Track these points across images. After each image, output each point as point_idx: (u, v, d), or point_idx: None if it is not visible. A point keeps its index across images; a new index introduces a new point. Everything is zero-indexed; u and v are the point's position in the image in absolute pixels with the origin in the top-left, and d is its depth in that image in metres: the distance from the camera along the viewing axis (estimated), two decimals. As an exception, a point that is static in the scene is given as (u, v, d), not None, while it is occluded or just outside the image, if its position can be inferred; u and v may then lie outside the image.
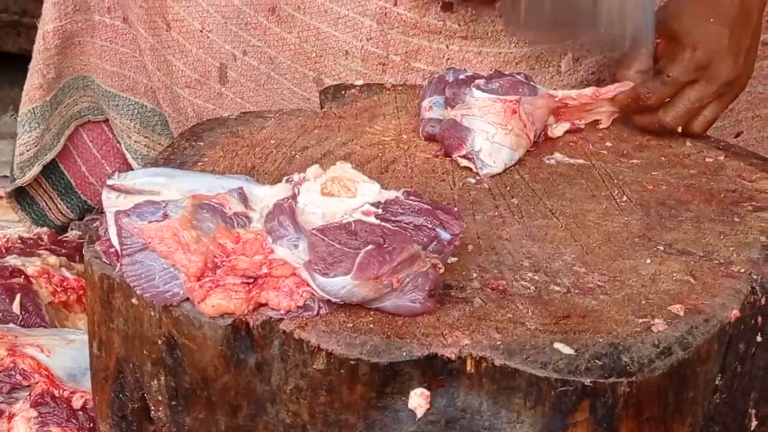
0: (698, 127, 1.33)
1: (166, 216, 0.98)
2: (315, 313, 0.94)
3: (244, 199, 1.01)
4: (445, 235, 1.00)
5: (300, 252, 0.96)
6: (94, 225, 1.07)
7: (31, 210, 1.91)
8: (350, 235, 0.96)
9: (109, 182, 1.03)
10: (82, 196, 1.92)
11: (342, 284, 0.93)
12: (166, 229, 0.96)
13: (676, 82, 1.32)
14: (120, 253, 0.99)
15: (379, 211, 0.99)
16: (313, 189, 1.02)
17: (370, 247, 0.94)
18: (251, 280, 0.95)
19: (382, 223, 0.98)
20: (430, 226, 0.99)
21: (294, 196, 1.02)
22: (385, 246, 0.95)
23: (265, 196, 1.03)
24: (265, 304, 0.95)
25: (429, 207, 1.01)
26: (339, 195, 1.02)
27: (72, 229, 1.89)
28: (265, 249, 0.97)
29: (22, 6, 2.65)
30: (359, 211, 0.99)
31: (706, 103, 1.33)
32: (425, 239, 0.99)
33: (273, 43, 1.66)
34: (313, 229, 0.97)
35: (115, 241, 0.99)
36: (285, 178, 1.05)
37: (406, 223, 0.99)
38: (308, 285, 0.94)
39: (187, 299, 0.96)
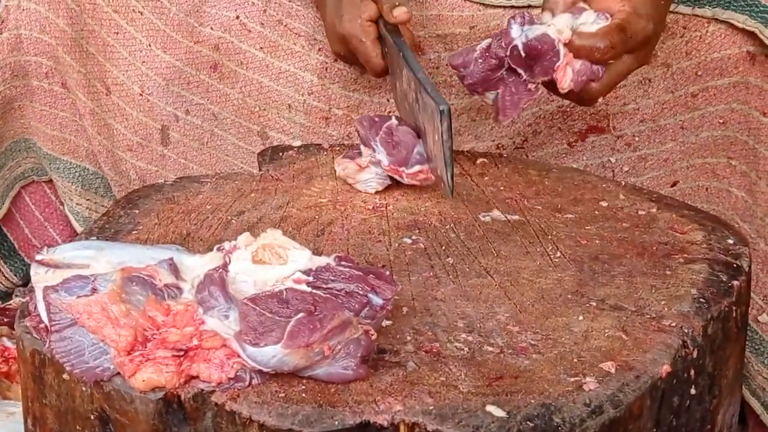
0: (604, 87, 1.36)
1: (95, 290, 0.97)
2: (247, 383, 0.94)
3: (174, 270, 1.01)
4: (377, 300, 1.01)
5: (231, 322, 0.96)
6: (24, 300, 1.06)
7: (-26, 274, 1.90)
8: (281, 303, 0.96)
9: (38, 257, 1.03)
10: (25, 259, 1.91)
11: (272, 354, 0.93)
12: (95, 303, 0.96)
13: (628, 48, 1.34)
14: (49, 329, 0.98)
15: (310, 278, 0.99)
16: (244, 257, 1.02)
17: (300, 315, 0.94)
18: (182, 353, 0.94)
19: (314, 291, 0.98)
20: (361, 292, 1.00)
21: (225, 265, 1.01)
22: (316, 313, 0.95)
23: (195, 266, 1.03)
24: (197, 377, 0.95)
25: (360, 273, 1.01)
26: (270, 262, 1.02)
27: (16, 296, 1.87)
28: (195, 320, 0.96)
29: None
30: (290, 279, 1.00)
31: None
32: (357, 305, 0.99)
33: (216, 99, 1.67)
34: (244, 298, 0.97)
35: (44, 316, 0.99)
36: (216, 246, 1.05)
37: (337, 290, 0.99)
38: (239, 356, 0.94)
39: (118, 374, 0.96)
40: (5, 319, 1.67)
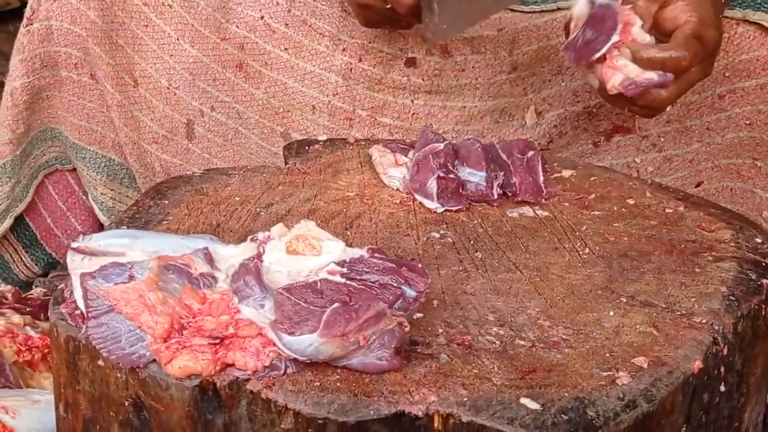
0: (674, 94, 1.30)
1: (131, 278, 0.98)
2: (282, 372, 0.95)
3: (209, 259, 1.02)
4: (411, 293, 1.01)
5: (266, 311, 0.96)
6: (60, 286, 1.06)
7: (-6, 262, 1.91)
8: (316, 293, 0.97)
9: (74, 245, 1.03)
10: (46, 248, 1.91)
11: (308, 342, 0.94)
12: (132, 290, 0.96)
13: (698, 60, 1.29)
14: (86, 316, 0.98)
15: (345, 270, 1.00)
16: (278, 248, 1.03)
17: (336, 305, 0.95)
18: (218, 341, 0.95)
19: (348, 282, 0.99)
20: (395, 284, 1.00)
21: (259, 255, 1.02)
22: (351, 304, 0.96)
23: (230, 255, 1.03)
24: (232, 365, 0.95)
25: (393, 265, 1.02)
26: (304, 253, 1.02)
27: (36, 287, 1.87)
28: (231, 309, 0.97)
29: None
30: (324, 270, 1.00)
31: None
32: (391, 297, 0.99)
33: (241, 98, 1.68)
34: (279, 288, 0.97)
35: (80, 303, 0.99)
36: (250, 237, 1.06)
37: (371, 282, 1.00)
38: (275, 344, 0.94)
39: (154, 361, 0.96)
40: (27, 309, 1.68)
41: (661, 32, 1.31)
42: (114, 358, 0.97)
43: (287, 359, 0.95)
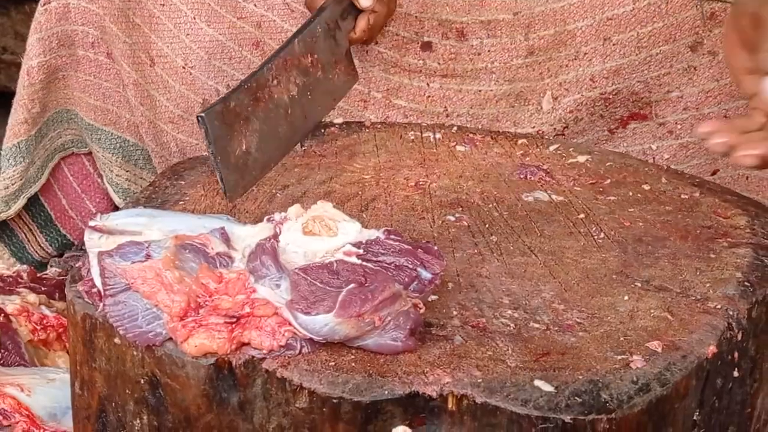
0: None
1: (149, 256, 0.99)
2: (297, 352, 0.95)
3: (226, 239, 1.02)
4: (426, 275, 1.02)
5: (282, 291, 0.97)
6: (77, 265, 1.07)
7: (10, 242, 1.91)
8: (332, 274, 0.97)
9: (92, 223, 1.04)
10: (61, 229, 1.92)
11: (324, 322, 0.94)
12: (149, 269, 0.97)
13: None
14: (103, 294, 0.99)
15: (361, 251, 1.00)
16: (294, 228, 1.03)
17: (351, 285, 0.95)
18: (234, 320, 0.96)
19: (364, 263, 0.99)
20: (410, 266, 1.01)
21: (276, 236, 1.03)
22: (366, 285, 0.96)
23: (246, 236, 1.04)
24: (248, 344, 0.96)
25: (409, 247, 1.02)
26: (320, 234, 1.03)
27: (51, 266, 1.88)
28: (247, 288, 0.97)
29: (2, 43, 2.66)
30: (341, 251, 1.01)
31: None
32: (406, 279, 1.00)
33: (258, 77, 1.67)
34: (295, 268, 0.98)
35: (97, 281, 1.00)
36: (266, 217, 1.06)
37: (387, 263, 1.00)
38: (290, 324, 0.95)
39: (170, 339, 0.97)
40: (42, 288, 1.69)
41: None
42: (131, 336, 0.97)
43: (303, 339, 0.95)
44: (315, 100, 1.42)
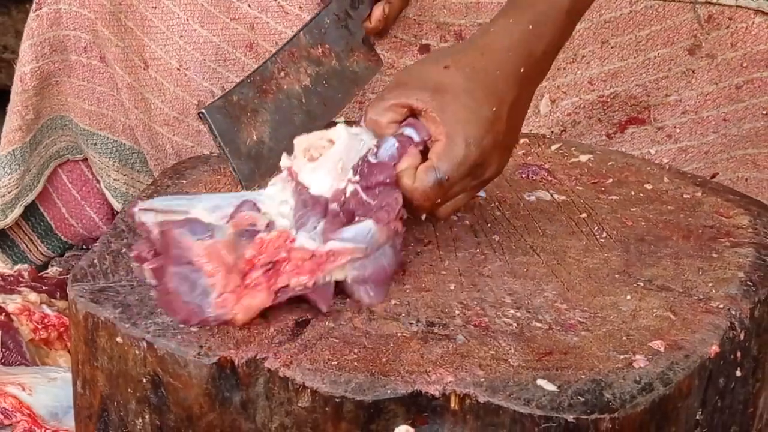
0: (445, 213, 1.13)
1: (212, 236, 1.01)
2: (331, 288, 1.03)
3: (256, 208, 1.05)
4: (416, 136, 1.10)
5: (318, 232, 1.04)
6: (79, 263, 1.07)
7: (11, 252, 1.91)
8: (358, 205, 1.07)
9: (141, 206, 1.05)
10: (62, 237, 1.91)
11: (368, 228, 1.04)
12: (213, 248, 1.00)
13: (450, 185, 1.09)
14: (164, 264, 1.01)
15: (358, 178, 1.07)
16: (303, 164, 1.08)
17: (384, 202, 1.06)
18: (270, 266, 0.99)
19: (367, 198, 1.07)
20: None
21: (299, 184, 1.07)
22: (383, 206, 1.06)
23: (274, 194, 1.08)
24: (287, 286, 1.00)
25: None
26: (322, 155, 1.08)
27: (53, 266, 1.88)
28: (287, 243, 1.01)
29: (3, 42, 2.66)
30: (348, 188, 1.08)
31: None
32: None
33: (251, 79, 1.67)
34: (327, 202, 1.06)
35: (145, 257, 1.03)
36: (272, 176, 1.11)
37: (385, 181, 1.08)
38: (328, 261, 1.02)
39: (219, 319, 1.00)
40: (44, 287, 1.69)
41: None
42: (185, 309, 1.00)
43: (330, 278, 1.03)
44: (333, 87, 1.42)
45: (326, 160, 1.08)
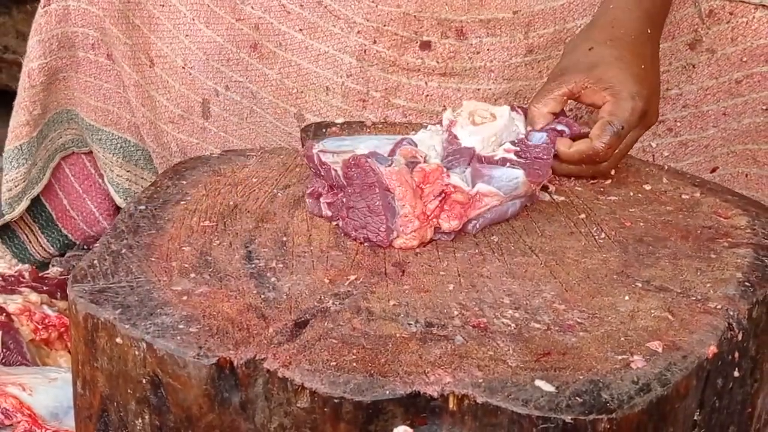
0: (614, 164, 1.34)
1: (391, 165, 1.14)
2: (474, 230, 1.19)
3: (414, 144, 1.21)
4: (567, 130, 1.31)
5: (466, 175, 1.18)
6: (80, 262, 1.07)
7: (11, 243, 1.92)
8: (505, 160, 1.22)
9: (318, 147, 1.19)
10: (62, 230, 1.92)
11: (516, 175, 1.19)
12: (398, 174, 1.13)
13: (626, 133, 1.30)
14: (345, 186, 1.15)
15: (517, 148, 1.24)
16: (464, 124, 1.25)
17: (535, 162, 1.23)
18: (442, 197, 1.15)
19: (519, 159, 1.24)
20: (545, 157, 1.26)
21: (452, 134, 1.23)
22: (537, 168, 1.23)
23: (425, 138, 1.24)
24: (438, 227, 1.17)
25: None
26: (485, 122, 1.25)
27: (53, 266, 1.89)
28: (443, 177, 1.15)
29: (4, 42, 2.66)
30: (502, 149, 1.25)
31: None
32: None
33: (255, 78, 1.68)
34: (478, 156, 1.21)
35: (319, 188, 1.19)
36: (428, 125, 1.30)
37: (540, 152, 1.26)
38: (473, 206, 1.17)
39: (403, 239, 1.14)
40: (44, 288, 1.69)
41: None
42: (368, 229, 1.14)
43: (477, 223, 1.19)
44: None
45: (484, 129, 1.24)
